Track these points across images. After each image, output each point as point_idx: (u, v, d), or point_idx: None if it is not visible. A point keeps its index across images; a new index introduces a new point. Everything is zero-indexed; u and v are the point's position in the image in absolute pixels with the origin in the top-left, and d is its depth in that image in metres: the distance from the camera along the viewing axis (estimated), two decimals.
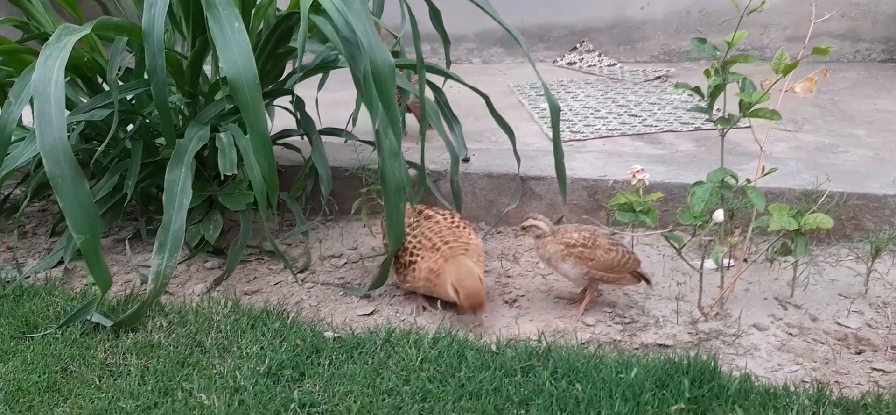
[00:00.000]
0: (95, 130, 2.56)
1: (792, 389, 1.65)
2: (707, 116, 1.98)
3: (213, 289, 2.25)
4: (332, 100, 3.19)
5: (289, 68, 2.78)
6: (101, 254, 1.91)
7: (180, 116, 2.56)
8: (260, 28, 2.53)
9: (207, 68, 2.64)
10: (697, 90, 1.97)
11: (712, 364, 1.68)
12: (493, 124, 2.82)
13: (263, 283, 2.32)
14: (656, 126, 3.26)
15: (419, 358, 1.78)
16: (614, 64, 4.43)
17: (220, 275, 2.31)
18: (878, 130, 3.11)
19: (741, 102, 1.90)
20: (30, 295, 2.19)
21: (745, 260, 2.12)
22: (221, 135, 2.23)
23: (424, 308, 2.12)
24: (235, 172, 2.16)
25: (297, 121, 2.65)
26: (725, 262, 2.09)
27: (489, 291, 2.14)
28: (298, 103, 2.62)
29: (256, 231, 2.57)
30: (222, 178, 2.38)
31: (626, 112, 3.49)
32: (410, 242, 2.09)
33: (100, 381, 1.77)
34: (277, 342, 1.88)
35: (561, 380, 1.67)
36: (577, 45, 4.60)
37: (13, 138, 2.16)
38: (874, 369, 1.77)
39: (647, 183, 1.89)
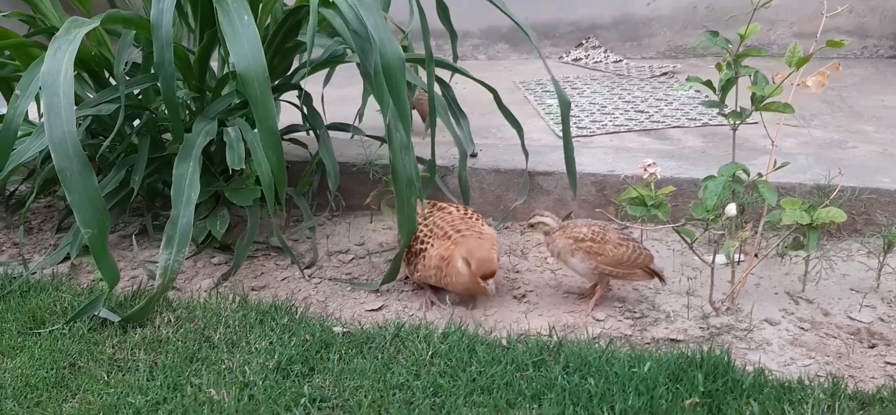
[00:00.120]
0: (102, 125, 2.55)
1: (806, 383, 1.63)
2: (718, 110, 1.97)
3: (221, 284, 2.24)
4: (338, 96, 3.18)
5: (295, 64, 2.77)
6: (108, 249, 1.89)
7: (187, 111, 2.54)
8: (267, 23, 2.52)
9: (214, 64, 2.64)
10: (709, 84, 1.96)
11: (726, 358, 1.67)
12: (499, 120, 2.80)
13: (270, 278, 2.30)
14: (663, 122, 3.25)
15: (429, 353, 1.77)
16: (620, 60, 4.41)
17: (227, 270, 2.30)
18: (887, 126, 3.10)
19: (754, 96, 1.89)
20: (36, 291, 2.18)
21: (756, 255, 2.10)
22: (229, 129, 2.22)
23: (433, 303, 2.10)
24: (243, 167, 2.15)
25: (304, 116, 2.64)
26: (736, 257, 2.07)
27: (499, 285, 2.12)
28: (306, 98, 2.61)
29: (263, 227, 2.56)
30: (230, 172, 2.38)
31: (632, 108, 3.48)
32: (421, 231, 2.08)
33: (108, 376, 1.76)
34: (286, 337, 1.87)
35: (573, 374, 1.66)
36: (583, 42, 4.59)
37: (18, 133, 2.15)
38: (888, 362, 1.75)
39: (659, 177, 1.88)
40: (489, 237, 2.05)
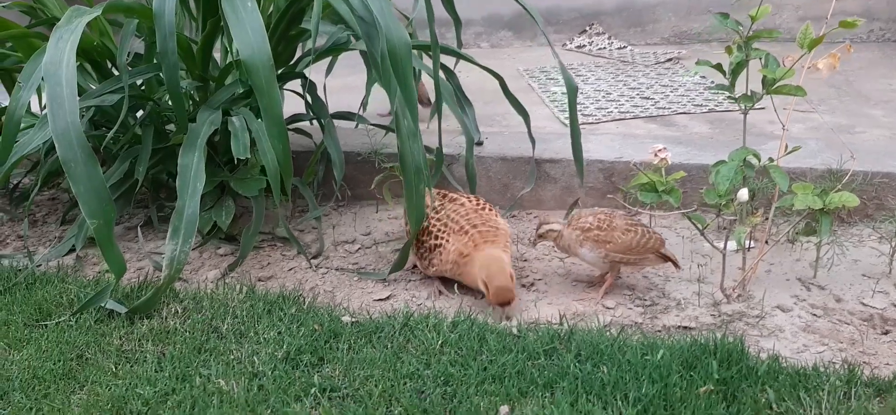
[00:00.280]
0: (105, 116, 2.53)
1: (821, 369, 1.62)
2: (728, 94, 1.94)
3: (227, 275, 2.23)
4: (341, 85, 3.15)
5: (299, 53, 2.75)
6: (114, 239, 1.88)
7: (191, 102, 2.52)
8: (270, 11, 2.49)
9: (216, 55, 2.61)
10: (719, 67, 1.93)
11: (740, 345, 1.65)
12: (503, 108, 2.78)
13: (277, 269, 2.29)
14: (669, 108, 3.22)
15: (439, 342, 1.76)
16: (624, 47, 4.38)
17: (233, 261, 2.28)
18: (895, 110, 3.07)
19: (764, 79, 1.87)
20: (42, 283, 2.16)
21: (766, 242, 2.08)
22: (234, 119, 2.20)
23: (441, 292, 2.09)
24: (248, 157, 2.13)
25: (309, 105, 2.61)
26: (746, 243, 2.05)
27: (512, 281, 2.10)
28: (310, 87, 2.58)
29: (269, 217, 2.54)
30: (235, 162, 2.36)
31: (638, 95, 3.45)
32: (434, 226, 2.05)
33: (116, 367, 1.75)
34: (295, 327, 1.86)
35: (585, 362, 1.64)
36: (587, 28, 4.55)
37: (21, 125, 2.13)
38: None
39: (670, 162, 1.86)
40: (504, 235, 2.03)
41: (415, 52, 2.65)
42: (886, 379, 1.58)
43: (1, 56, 2.51)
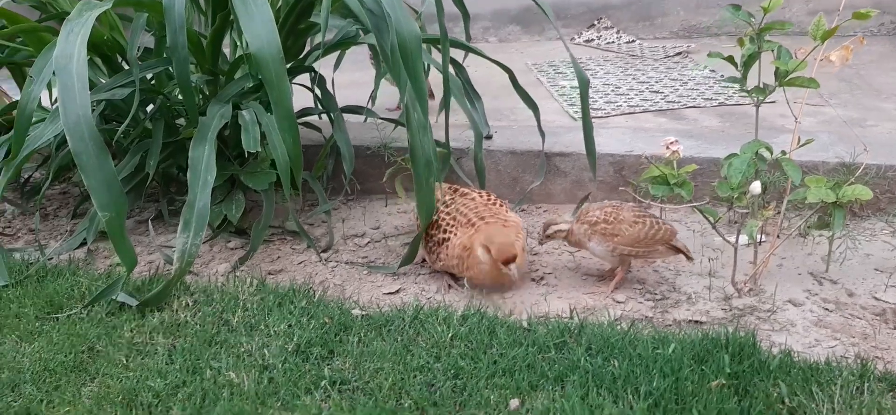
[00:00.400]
0: (115, 110, 2.53)
1: (834, 364, 1.60)
2: (740, 87, 1.93)
3: (237, 269, 2.23)
4: (348, 80, 3.15)
5: (308, 47, 2.74)
6: (126, 232, 1.88)
7: (200, 96, 2.52)
8: (279, 4, 2.49)
9: (226, 50, 2.61)
10: (731, 59, 1.92)
11: (752, 340, 1.64)
12: (511, 103, 2.77)
13: (287, 262, 2.29)
14: (679, 102, 3.21)
15: (449, 335, 1.76)
16: (633, 41, 4.36)
17: (243, 255, 2.29)
18: None
19: (777, 70, 1.85)
20: (54, 276, 2.17)
21: (778, 236, 2.07)
22: (244, 112, 2.20)
23: (450, 286, 2.09)
24: (259, 150, 2.13)
25: (318, 99, 2.61)
26: (757, 237, 2.04)
27: (521, 270, 2.09)
28: (319, 80, 2.58)
29: (278, 211, 2.54)
30: (245, 156, 2.36)
31: (647, 89, 3.43)
32: (444, 220, 2.05)
33: (127, 360, 1.75)
34: (305, 320, 1.86)
35: (596, 356, 1.64)
36: (595, 23, 4.53)
37: (32, 119, 2.14)
38: None
39: (681, 155, 1.85)
40: (514, 225, 2.03)
41: (423, 45, 2.64)
42: None
43: (11, 51, 2.52)
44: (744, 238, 1.98)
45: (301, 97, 2.82)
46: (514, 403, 1.52)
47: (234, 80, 2.36)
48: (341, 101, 2.77)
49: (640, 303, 1.96)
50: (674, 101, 3.21)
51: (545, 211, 2.57)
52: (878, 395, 1.50)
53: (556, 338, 1.72)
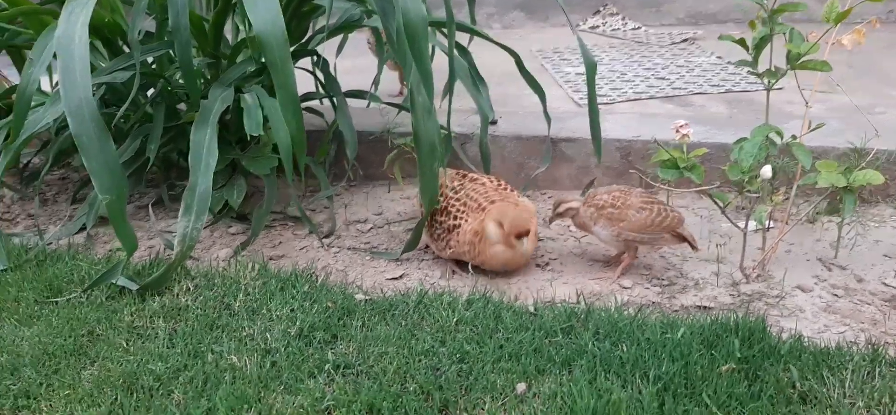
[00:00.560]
0: (115, 95, 2.50)
1: (845, 349, 1.58)
2: (751, 70, 1.90)
3: (238, 254, 2.20)
4: (350, 66, 3.12)
5: (310, 32, 2.71)
6: (126, 215, 1.86)
7: (202, 79, 2.49)
8: None
9: (227, 35, 2.58)
10: (742, 42, 1.89)
11: (761, 324, 1.62)
12: (516, 89, 2.74)
13: (288, 248, 2.27)
14: (685, 89, 3.18)
15: (454, 319, 1.73)
16: (638, 27, 4.32)
17: (244, 240, 2.26)
18: None
19: (789, 53, 1.82)
20: (53, 260, 2.15)
21: (786, 222, 2.04)
22: (246, 96, 2.17)
23: (454, 272, 2.06)
24: (261, 134, 2.10)
25: (321, 83, 2.58)
26: (766, 223, 2.01)
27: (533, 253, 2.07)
28: (323, 64, 2.55)
29: (280, 196, 2.52)
30: (248, 139, 2.33)
31: (653, 75, 3.40)
32: (453, 206, 2.01)
33: (127, 344, 1.73)
34: (307, 304, 1.83)
35: (604, 340, 1.61)
36: (600, 9, 4.50)
37: (32, 103, 2.11)
38: None
39: (691, 139, 1.82)
40: (526, 207, 2.00)
41: (429, 28, 2.61)
42: None
43: (12, 33, 2.49)
44: (752, 224, 1.95)
45: (303, 82, 2.79)
46: (521, 387, 1.50)
47: (236, 64, 2.33)
48: (343, 87, 2.74)
49: (647, 288, 1.94)
50: (680, 88, 3.18)
51: (550, 197, 2.55)
52: (890, 379, 1.48)
53: (563, 322, 1.70)
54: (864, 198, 2.30)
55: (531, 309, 1.79)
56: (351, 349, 1.66)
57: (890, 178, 2.26)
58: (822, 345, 1.60)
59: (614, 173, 2.49)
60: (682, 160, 1.79)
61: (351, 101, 2.64)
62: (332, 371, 1.59)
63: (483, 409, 1.46)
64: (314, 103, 2.82)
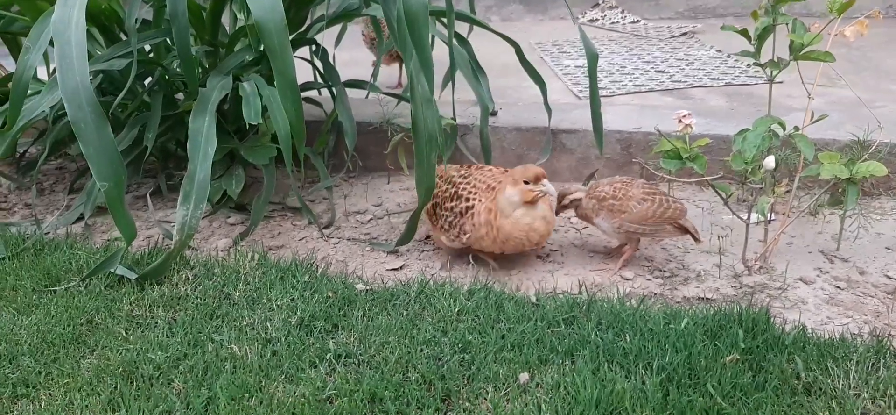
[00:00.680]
0: (112, 84, 2.48)
1: (849, 340, 1.58)
2: (754, 60, 1.89)
3: (238, 244, 2.19)
4: (348, 59, 3.10)
5: (308, 22, 2.69)
6: (125, 203, 1.84)
7: (200, 68, 2.47)
8: None
9: (225, 24, 2.56)
10: (745, 32, 1.88)
11: (765, 315, 1.61)
12: (515, 81, 2.72)
13: (288, 238, 2.25)
14: (685, 82, 3.17)
15: (456, 309, 1.72)
16: (638, 21, 4.31)
17: (243, 230, 2.25)
18: None
19: (792, 44, 1.81)
20: (51, 249, 2.13)
21: (787, 214, 2.04)
22: (245, 84, 2.16)
23: (453, 263, 2.05)
24: (260, 122, 2.08)
25: (320, 73, 2.57)
26: (769, 215, 2.01)
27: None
28: (322, 53, 2.54)
29: (279, 187, 2.50)
30: (247, 128, 2.32)
31: (653, 68, 3.39)
32: (464, 189, 1.95)
33: (126, 333, 1.72)
34: (308, 294, 1.82)
35: (606, 331, 1.61)
36: (600, 2, 4.49)
37: (28, 92, 2.09)
38: None
39: (693, 129, 1.81)
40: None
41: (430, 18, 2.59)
42: None
43: (8, 20, 2.46)
44: (754, 216, 1.94)
45: (301, 72, 2.77)
46: (524, 377, 1.49)
47: (234, 53, 2.32)
48: (341, 78, 2.72)
49: (649, 280, 1.93)
50: (680, 81, 3.18)
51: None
52: (895, 371, 1.47)
53: (565, 313, 1.69)
54: (866, 190, 2.30)
55: (533, 299, 1.78)
56: (352, 339, 1.65)
57: (892, 170, 2.26)
58: (826, 336, 1.60)
59: (615, 165, 2.48)
60: (684, 150, 1.78)
61: (349, 92, 2.63)
62: (334, 361, 1.57)
63: (486, 398, 1.45)
64: (313, 93, 2.80)
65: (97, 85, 2.42)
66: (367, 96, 2.78)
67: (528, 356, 1.55)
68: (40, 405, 1.49)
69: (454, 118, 2.46)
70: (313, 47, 2.56)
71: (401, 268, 2.06)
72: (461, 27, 2.63)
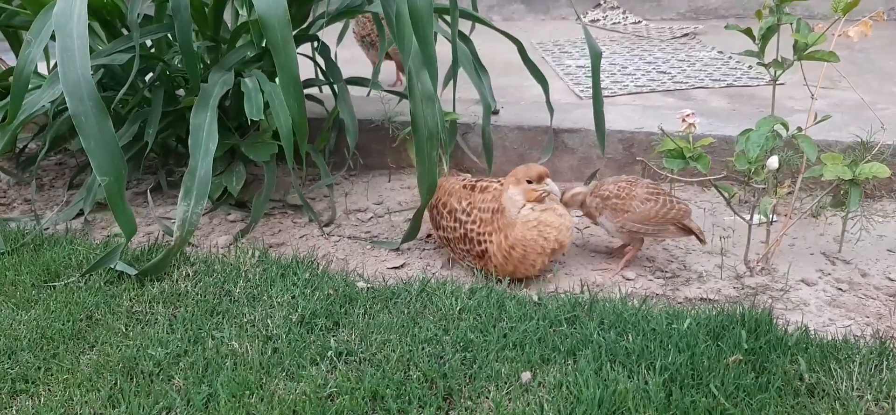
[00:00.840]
0: (114, 79, 2.47)
1: (852, 341, 1.57)
2: (758, 60, 1.88)
3: (238, 241, 2.18)
4: (349, 56, 3.10)
5: (310, 19, 2.69)
6: (125, 198, 1.83)
7: (202, 63, 2.47)
8: None
9: (227, 21, 2.55)
10: (749, 32, 1.87)
11: (768, 316, 1.61)
12: (517, 80, 2.71)
13: (288, 236, 2.25)
14: (687, 83, 3.17)
15: (457, 308, 1.71)
16: (639, 21, 4.31)
17: (244, 227, 2.24)
18: None
19: (796, 43, 1.81)
20: (50, 245, 2.12)
21: (788, 216, 2.03)
22: (246, 80, 2.15)
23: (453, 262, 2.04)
24: (262, 119, 2.07)
25: (321, 70, 2.56)
26: (771, 216, 2.00)
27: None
28: (324, 50, 2.53)
29: (280, 184, 2.49)
30: (248, 125, 2.31)
31: (654, 69, 3.39)
32: (470, 230, 1.88)
33: (126, 329, 1.71)
34: (309, 292, 1.81)
35: (609, 331, 1.60)
36: (601, 2, 4.48)
37: (29, 86, 2.08)
38: None
39: (697, 128, 1.80)
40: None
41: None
42: None
43: (9, 14, 2.45)
44: (756, 217, 1.94)
45: (303, 69, 2.76)
46: (526, 376, 1.48)
47: (236, 49, 2.31)
48: (343, 75, 2.72)
49: (651, 280, 1.93)
50: (681, 82, 3.17)
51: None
52: None
53: (568, 312, 1.68)
54: (868, 192, 2.29)
55: (535, 298, 1.78)
56: (353, 337, 1.64)
57: (895, 172, 2.25)
58: (829, 338, 1.59)
59: (617, 165, 2.48)
60: (687, 150, 1.77)
61: (351, 90, 2.62)
62: (335, 358, 1.57)
63: (487, 397, 1.44)
64: (314, 91, 2.79)
65: (98, 80, 2.41)
66: (368, 94, 2.77)
67: (531, 355, 1.54)
68: (39, 401, 1.48)
69: (453, 110, 2.45)
70: (315, 44, 2.55)
71: (402, 266, 2.05)
72: (463, 25, 2.62)
